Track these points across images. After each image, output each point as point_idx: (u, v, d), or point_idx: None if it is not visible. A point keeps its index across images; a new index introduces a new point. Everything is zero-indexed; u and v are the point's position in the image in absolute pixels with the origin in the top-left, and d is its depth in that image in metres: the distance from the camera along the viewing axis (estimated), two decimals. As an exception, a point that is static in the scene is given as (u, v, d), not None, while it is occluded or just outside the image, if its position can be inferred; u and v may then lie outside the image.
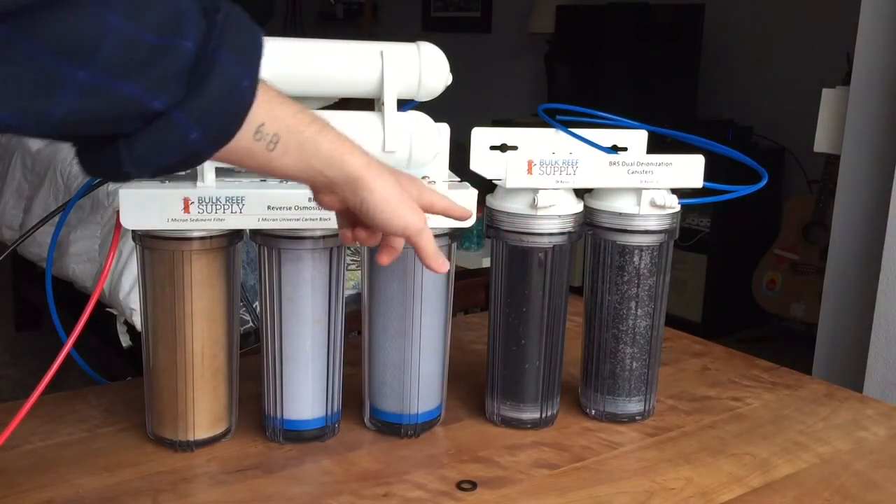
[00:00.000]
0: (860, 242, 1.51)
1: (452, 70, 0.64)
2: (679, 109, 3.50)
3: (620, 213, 0.66)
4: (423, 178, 0.65)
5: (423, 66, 0.62)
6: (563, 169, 0.63)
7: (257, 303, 0.65)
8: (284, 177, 0.48)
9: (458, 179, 0.66)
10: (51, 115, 0.36)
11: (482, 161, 0.71)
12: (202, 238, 0.59)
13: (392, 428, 0.66)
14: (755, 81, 3.49)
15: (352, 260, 1.48)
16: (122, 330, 2.01)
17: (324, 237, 0.61)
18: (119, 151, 0.40)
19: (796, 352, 1.92)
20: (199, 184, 0.59)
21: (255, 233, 0.61)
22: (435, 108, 0.62)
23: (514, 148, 0.72)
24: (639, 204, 0.65)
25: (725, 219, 3.18)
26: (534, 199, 0.62)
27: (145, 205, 0.57)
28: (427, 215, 0.61)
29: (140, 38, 0.37)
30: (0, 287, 3.09)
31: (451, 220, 0.62)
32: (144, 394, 0.64)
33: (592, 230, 0.68)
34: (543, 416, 0.68)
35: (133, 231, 0.59)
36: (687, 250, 3.20)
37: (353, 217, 0.52)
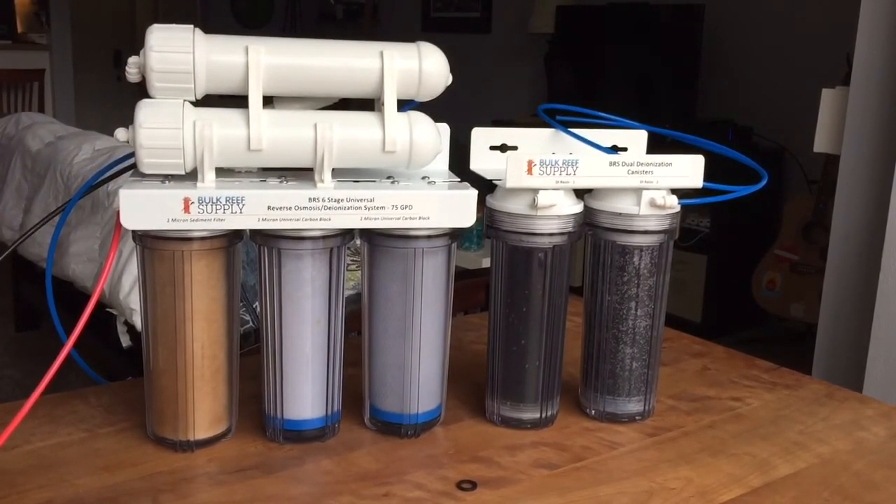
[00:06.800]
0: (860, 242, 1.51)
1: (452, 70, 0.64)
2: (679, 109, 3.51)
3: (620, 214, 0.66)
4: (423, 178, 0.65)
5: (423, 66, 0.62)
6: (563, 169, 0.63)
7: (257, 303, 0.65)
8: None
9: (458, 179, 0.66)
10: None
11: (482, 161, 0.71)
12: (202, 238, 0.59)
13: (392, 428, 0.66)
14: (755, 81, 3.49)
15: (352, 260, 1.48)
16: (122, 330, 2.01)
17: (324, 237, 0.61)
18: None
19: (796, 352, 1.93)
20: (199, 184, 0.59)
21: (255, 233, 0.61)
22: (435, 108, 0.62)
23: (514, 148, 0.72)
24: (639, 204, 0.65)
25: (725, 219, 3.19)
26: (534, 200, 0.62)
27: (145, 205, 0.57)
28: (426, 215, 0.61)
29: None
30: (0, 287, 3.09)
31: (451, 220, 0.62)
32: (144, 394, 0.64)
33: (592, 230, 0.68)
34: (543, 416, 0.68)
35: (133, 231, 0.59)
36: (687, 250, 3.20)
37: None
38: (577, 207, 0.65)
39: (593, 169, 0.64)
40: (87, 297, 0.59)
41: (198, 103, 0.60)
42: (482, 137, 0.71)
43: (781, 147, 3.26)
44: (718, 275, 3.21)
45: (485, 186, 0.66)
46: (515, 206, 0.64)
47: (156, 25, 0.58)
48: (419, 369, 0.65)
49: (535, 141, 0.72)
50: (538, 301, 0.66)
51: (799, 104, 2.85)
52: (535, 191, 0.62)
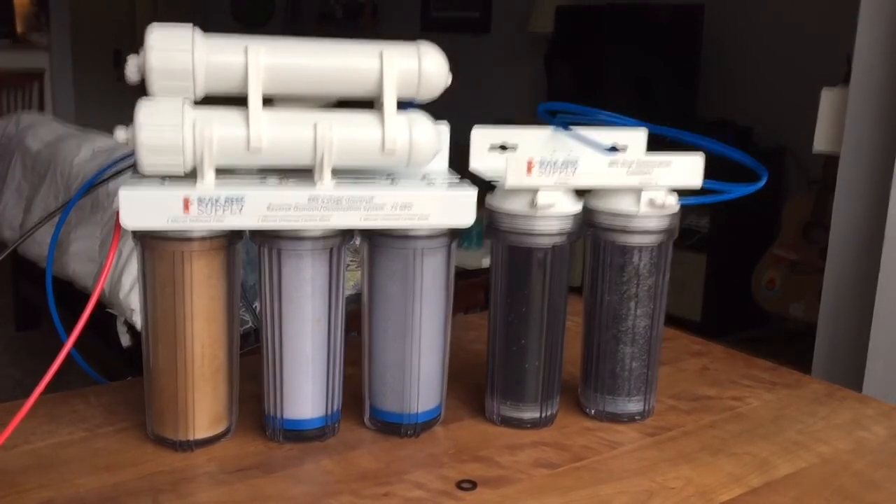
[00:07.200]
0: (859, 242, 1.51)
1: (452, 70, 0.64)
2: (679, 109, 3.50)
3: (620, 213, 0.66)
4: (423, 177, 0.65)
5: (423, 66, 0.62)
6: (562, 169, 0.63)
7: (257, 303, 0.65)
8: None
9: (458, 179, 0.66)
10: None
11: (482, 161, 0.71)
12: (202, 238, 0.59)
13: (392, 428, 0.66)
14: (755, 81, 3.49)
15: (352, 260, 1.48)
16: (122, 330, 2.01)
17: (324, 237, 0.61)
18: None
19: (796, 352, 1.93)
20: (198, 184, 0.59)
21: (255, 233, 0.61)
22: (435, 108, 0.62)
23: (514, 148, 0.72)
24: (638, 204, 0.65)
25: (725, 219, 3.19)
26: (533, 199, 0.62)
27: (145, 205, 0.57)
28: (426, 215, 0.61)
29: None
30: (0, 287, 3.09)
31: (451, 220, 0.62)
32: (144, 394, 0.64)
33: (592, 230, 0.68)
34: (543, 415, 0.68)
35: (133, 231, 0.59)
36: (687, 250, 3.20)
37: None
38: (576, 207, 0.65)
39: (593, 169, 0.64)
40: (87, 297, 0.59)
41: (198, 103, 0.60)
42: (482, 137, 0.71)
43: (781, 147, 3.26)
44: (718, 275, 3.21)
45: (485, 186, 0.66)
46: (515, 205, 0.64)
47: (155, 24, 0.58)
48: (419, 369, 0.65)
49: (534, 141, 0.72)
50: (538, 301, 0.66)
51: (799, 104, 2.85)
52: (535, 191, 0.62)
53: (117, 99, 5.82)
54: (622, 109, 0.77)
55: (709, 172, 0.65)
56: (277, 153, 0.60)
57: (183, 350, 0.61)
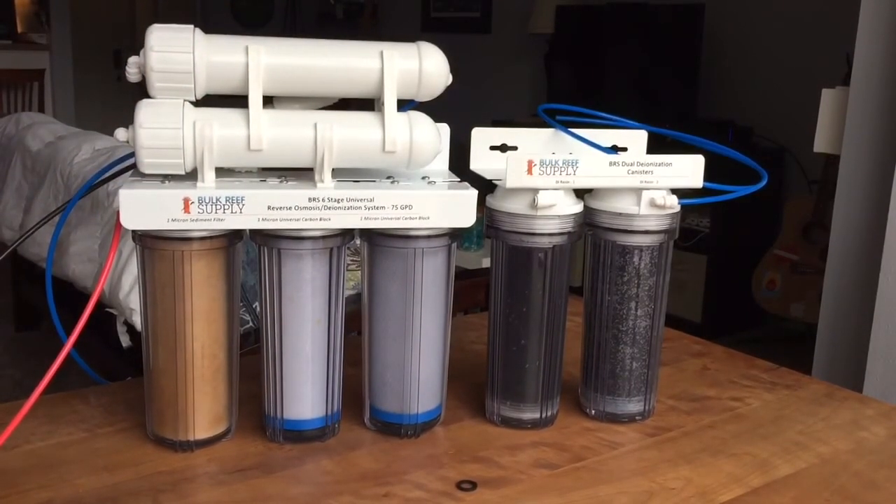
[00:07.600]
0: (860, 243, 1.51)
1: (452, 70, 0.64)
2: (679, 109, 3.50)
3: (620, 214, 0.66)
4: (423, 178, 0.65)
5: (423, 66, 0.62)
6: (563, 169, 0.63)
7: (257, 303, 0.65)
8: None
9: (458, 179, 0.66)
10: None
11: (482, 161, 0.71)
12: (202, 238, 0.59)
13: (392, 428, 0.66)
14: (755, 81, 3.49)
15: (352, 260, 1.48)
16: (122, 330, 2.01)
17: (324, 237, 0.61)
18: None
19: (796, 352, 1.93)
20: (199, 184, 0.59)
21: (255, 233, 0.61)
22: (435, 108, 0.62)
23: (514, 148, 0.72)
24: (639, 204, 0.65)
25: (725, 219, 3.19)
26: (534, 200, 0.62)
27: (145, 205, 0.57)
28: (426, 215, 0.61)
29: None
30: (0, 287, 3.09)
31: (451, 220, 0.62)
32: (144, 394, 0.64)
33: (592, 230, 0.68)
34: (543, 416, 0.68)
35: (133, 231, 0.59)
36: (687, 250, 3.20)
37: None
38: (577, 207, 0.65)
39: (593, 169, 0.64)
40: (87, 297, 0.59)
41: (198, 103, 0.60)
42: (482, 137, 0.71)
43: (781, 147, 3.26)
44: (718, 275, 3.21)
45: (485, 186, 0.66)
46: (515, 206, 0.64)
47: (156, 25, 0.58)
48: (419, 369, 0.65)
49: (535, 141, 0.72)
50: (538, 301, 0.66)
51: (799, 104, 2.85)
52: (535, 191, 0.62)
53: (117, 99, 5.83)
54: (622, 109, 0.77)
55: (709, 173, 0.65)
56: (278, 153, 0.60)
57: (183, 350, 0.61)
